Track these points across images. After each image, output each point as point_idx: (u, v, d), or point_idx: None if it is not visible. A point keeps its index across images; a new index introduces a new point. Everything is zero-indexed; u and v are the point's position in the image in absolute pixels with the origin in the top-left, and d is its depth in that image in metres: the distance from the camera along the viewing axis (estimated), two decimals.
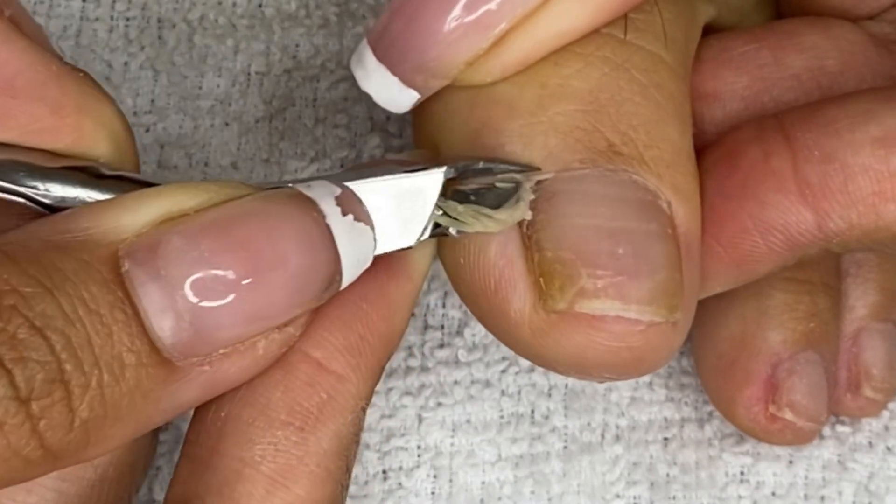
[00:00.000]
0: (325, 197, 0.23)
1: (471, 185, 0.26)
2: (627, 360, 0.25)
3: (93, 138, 0.25)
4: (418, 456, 0.33)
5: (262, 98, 0.35)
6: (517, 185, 0.25)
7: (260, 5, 0.36)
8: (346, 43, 0.35)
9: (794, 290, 0.31)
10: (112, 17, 0.36)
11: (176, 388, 0.23)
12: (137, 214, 0.22)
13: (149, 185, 0.24)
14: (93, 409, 0.21)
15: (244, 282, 0.22)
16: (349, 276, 0.24)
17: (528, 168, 0.26)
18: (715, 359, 0.32)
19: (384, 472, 0.33)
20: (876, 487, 0.33)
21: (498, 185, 0.25)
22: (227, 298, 0.22)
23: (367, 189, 0.24)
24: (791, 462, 0.33)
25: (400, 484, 0.33)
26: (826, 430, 0.34)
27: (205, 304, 0.22)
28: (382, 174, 0.25)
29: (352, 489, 0.33)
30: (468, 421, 0.33)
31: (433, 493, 0.33)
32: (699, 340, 0.33)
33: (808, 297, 0.31)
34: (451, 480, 0.33)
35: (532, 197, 0.25)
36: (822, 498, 0.33)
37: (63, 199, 0.24)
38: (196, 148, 0.35)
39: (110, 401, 0.21)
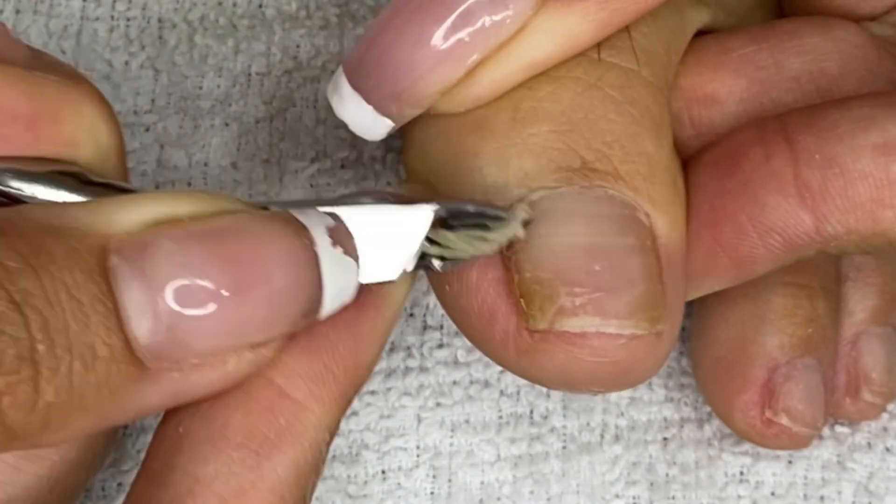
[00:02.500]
0: (317, 226, 0.23)
1: (459, 223, 0.26)
2: (613, 373, 0.26)
3: (73, 144, 0.25)
4: (417, 456, 0.33)
5: (262, 98, 0.35)
6: (500, 239, 0.26)
7: (260, 6, 0.36)
8: (346, 44, 0.35)
9: (793, 295, 0.31)
10: (113, 17, 0.36)
11: (143, 390, 0.22)
12: (131, 214, 0.22)
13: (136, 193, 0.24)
14: (59, 394, 0.21)
15: (226, 294, 0.22)
16: (329, 307, 0.24)
17: (508, 215, 0.26)
18: (713, 362, 0.32)
19: (383, 472, 0.33)
20: (875, 487, 0.33)
21: (488, 236, 0.25)
22: (208, 309, 0.22)
23: (354, 216, 0.24)
24: (790, 462, 0.34)
25: (399, 484, 0.33)
26: (825, 431, 0.34)
27: (185, 311, 0.22)
28: (372, 203, 0.25)
29: (351, 489, 0.33)
30: (467, 421, 0.33)
31: (432, 493, 0.33)
32: (697, 344, 0.33)
33: (807, 302, 0.31)
34: (450, 480, 0.33)
35: (525, 216, 0.25)
36: (822, 498, 0.33)
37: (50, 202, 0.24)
38: (196, 148, 0.35)
39: (77, 389, 0.21)
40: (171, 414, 0.24)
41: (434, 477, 0.33)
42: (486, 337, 0.26)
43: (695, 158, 0.28)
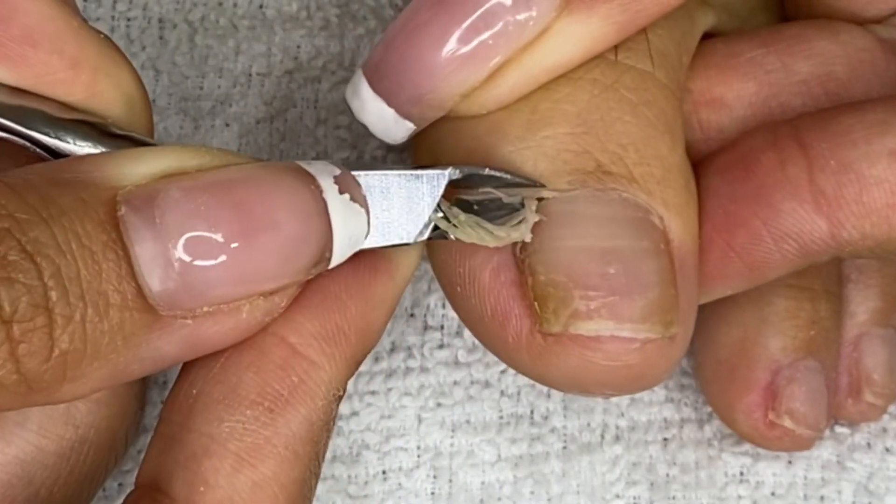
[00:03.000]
0: (323, 174, 0.24)
1: (475, 195, 0.26)
2: (626, 377, 0.26)
3: (106, 97, 0.26)
4: (418, 456, 0.33)
5: (262, 99, 0.35)
6: (521, 204, 0.26)
7: (261, 6, 0.36)
8: (347, 44, 0.35)
9: (795, 297, 0.31)
10: (113, 17, 0.36)
11: (157, 338, 0.23)
12: (139, 166, 0.23)
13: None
14: (73, 341, 0.21)
15: (236, 242, 0.22)
16: (339, 255, 0.24)
17: (531, 182, 0.26)
18: (715, 365, 0.32)
19: (384, 472, 0.33)
20: (875, 487, 0.33)
21: (504, 200, 0.26)
22: (219, 258, 0.22)
23: (371, 178, 0.25)
24: (790, 462, 0.34)
25: (400, 484, 0.33)
26: (825, 431, 0.34)
27: (196, 260, 0.22)
28: (388, 167, 0.25)
29: (352, 489, 0.33)
30: (468, 421, 0.33)
31: (433, 493, 0.33)
32: (700, 346, 0.33)
33: (809, 304, 0.31)
34: (450, 481, 0.33)
35: (537, 219, 0.26)
36: (822, 498, 0.33)
37: (72, 150, 0.25)
38: None
39: (91, 336, 0.22)
40: (183, 377, 0.25)
41: (435, 477, 0.33)
42: (499, 339, 0.26)
43: (706, 163, 0.28)
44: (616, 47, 0.27)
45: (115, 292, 0.22)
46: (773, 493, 0.33)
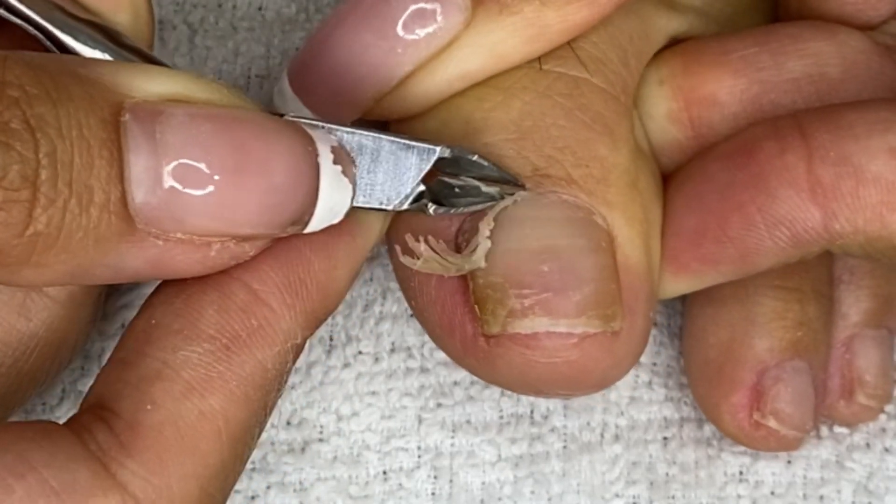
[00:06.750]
0: (322, 141, 0.24)
1: (457, 180, 0.26)
2: (569, 374, 0.26)
3: (116, 4, 0.26)
4: (418, 457, 0.33)
5: (262, 101, 0.35)
6: (500, 196, 0.26)
7: (260, 8, 0.36)
8: None
9: (783, 298, 0.31)
10: None
11: (126, 250, 0.23)
12: (152, 83, 0.23)
13: (163, 66, 0.25)
14: (49, 225, 0.22)
15: (225, 177, 0.23)
16: (317, 222, 0.24)
17: (513, 179, 0.27)
18: (702, 364, 0.32)
19: (384, 472, 0.33)
20: (875, 487, 0.33)
21: (483, 189, 0.26)
22: (206, 188, 0.23)
23: (363, 139, 0.25)
24: (790, 462, 0.34)
25: (400, 485, 0.33)
26: (824, 431, 0.34)
27: (184, 187, 0.23)
28: (383, 132, 0.26)
29: (352, 490, 0.33)
30: (468, 421, 0.34)
31: (433, 493, 0.33)
32: (688, 346, 0.33)
33: (797, 305, 0.31)
34: (451, 481, 0.33)
35: (489, 246, 0.26)
36: (822, 497, 0.33)
37: (81, 50, 0.25)
38: None
39: (67, 227, 0.22)
40: (143, 311, 0.25)
41: (435, 477, 0.33)
42: (450, 346, 0.27)
43: (705, 152, 0.29)
44: (540, 58, 0.28)
45: (100, 190, 0.22)
46: (772, 493, 0.33)
